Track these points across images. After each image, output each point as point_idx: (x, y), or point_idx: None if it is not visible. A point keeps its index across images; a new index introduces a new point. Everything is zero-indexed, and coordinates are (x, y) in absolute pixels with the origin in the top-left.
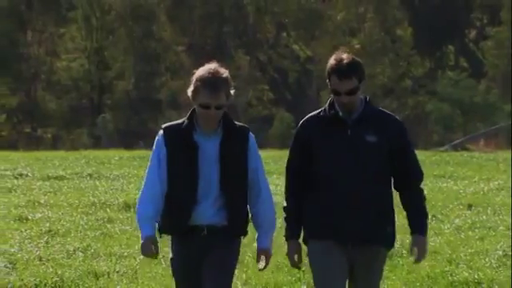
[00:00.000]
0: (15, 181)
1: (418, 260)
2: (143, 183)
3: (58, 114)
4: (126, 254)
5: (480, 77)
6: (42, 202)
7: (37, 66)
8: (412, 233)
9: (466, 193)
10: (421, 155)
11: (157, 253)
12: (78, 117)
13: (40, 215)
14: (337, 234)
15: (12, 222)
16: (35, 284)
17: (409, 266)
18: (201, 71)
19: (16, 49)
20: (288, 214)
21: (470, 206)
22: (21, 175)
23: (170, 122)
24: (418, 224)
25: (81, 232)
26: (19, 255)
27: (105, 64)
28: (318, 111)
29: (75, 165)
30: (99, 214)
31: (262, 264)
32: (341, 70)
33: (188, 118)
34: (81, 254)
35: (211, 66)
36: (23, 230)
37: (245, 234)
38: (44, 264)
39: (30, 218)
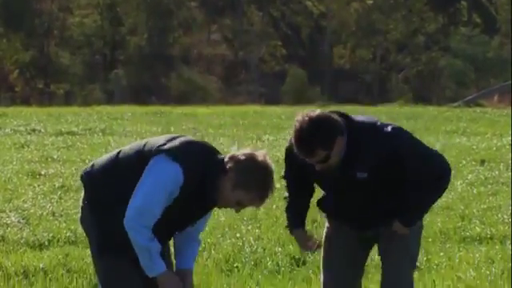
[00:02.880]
0: (28, 136)
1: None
2: (148, 203)
3: (71, 69)
4: None
5: (493, 32)
6: (54, 157)
7: (50, 22)
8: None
9: (479, 148)
10: (434, 111)
11: None
12: (90, 72)
13: (53, 171)
14: (350, 225)
15: (25, 177)
16: (48, 239)
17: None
18: (260, 168)
19: (29, 5)
20: (287, 203)
21: (482, 162)
22: (34, 131)
23: (190, 162)
24: (408, 216)
25: None
26: (32, 210)
27: (117, 20)
28: None
29: (88, 120)
30: None
31: None
32: (300, 149)
33: (210, 184)
34: None
35: (268, 163)
36: (36, 185)
37: None
38: (57, 219)
39: (42, 173)
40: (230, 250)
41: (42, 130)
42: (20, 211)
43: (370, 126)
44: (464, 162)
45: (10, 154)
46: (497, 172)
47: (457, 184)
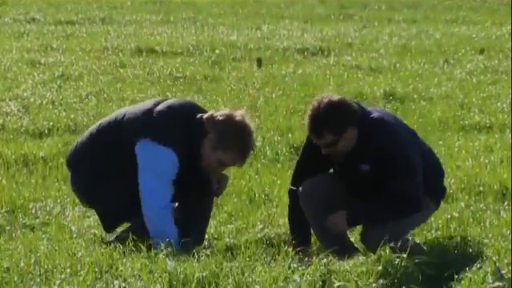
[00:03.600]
0: (27, 25)
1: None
2: (160, 187)
3: None
4: (138, 98)
5: None
6: (54, 46)
7: None
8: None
9: (479, 37)
10: (433, 0)
11: None
12: None
13: (52, 60)
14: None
15: (24, 66)
16: (48, 128)
17: (420, 111)
18: (237, 128)
19: None
20: (289, 224)
21: (482, 51)
22: (33, 20)
23: (177, 138)
24: (359, 211)
25: (93, 76)
26: (32, 99)
27: None
28: None
29: (87, 9)
30: (111, 59)
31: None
32: (310, 128)
33: (194, 147)
34: (93, 98)
35: (246, 122)
36: (36, 74)
37: None
38: (56, 108)
39: (42, 62)
40: None
41: (42, 19)
42: (20, 100)
43: (384, 128)
44: (463, 51)
45: (9, 43)
46: (496, 61)
47: (456, 73)
